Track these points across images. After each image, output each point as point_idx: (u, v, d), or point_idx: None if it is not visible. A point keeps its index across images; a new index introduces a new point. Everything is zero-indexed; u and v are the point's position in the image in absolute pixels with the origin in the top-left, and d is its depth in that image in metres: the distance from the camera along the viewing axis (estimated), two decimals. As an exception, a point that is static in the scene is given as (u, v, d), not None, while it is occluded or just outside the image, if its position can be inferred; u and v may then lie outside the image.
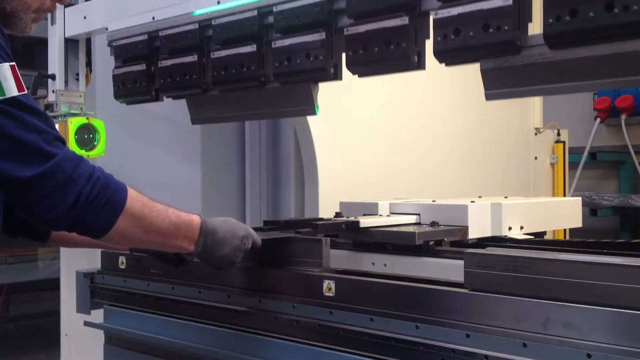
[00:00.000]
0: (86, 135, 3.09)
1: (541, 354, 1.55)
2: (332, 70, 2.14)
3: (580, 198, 2.92)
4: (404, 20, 1.91)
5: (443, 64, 1.93)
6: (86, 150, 3.04)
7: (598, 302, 1.52)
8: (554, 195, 4.30)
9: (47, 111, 3.06)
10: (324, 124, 3.10)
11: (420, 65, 1.95)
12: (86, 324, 2.70)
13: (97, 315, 2.69)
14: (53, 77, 3.15)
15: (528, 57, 1.80)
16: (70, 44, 3.19)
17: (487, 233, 2.42)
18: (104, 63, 3.23)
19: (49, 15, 3.14)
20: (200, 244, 1.90)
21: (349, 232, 2.33)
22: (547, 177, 4.32)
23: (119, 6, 2.81)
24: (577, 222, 2.81)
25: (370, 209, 2.55)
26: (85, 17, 3.06)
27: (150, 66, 2.67)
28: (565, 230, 3.79)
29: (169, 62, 2.56)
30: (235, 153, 3.81)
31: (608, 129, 5.88)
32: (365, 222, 2.31)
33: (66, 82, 3.19)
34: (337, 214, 2.51)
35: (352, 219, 2.34)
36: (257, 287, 2.14)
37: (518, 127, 4.15)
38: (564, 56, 1.74)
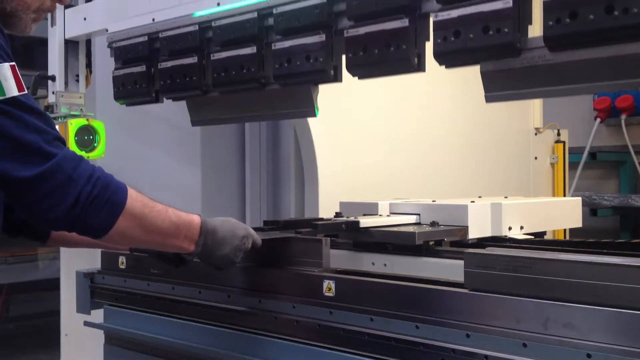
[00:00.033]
0: (86, 136, 3.09)
1: (541, 354, 1.55)
2: (332, 72, 2.14)
3: (580, 198, 2.92)
4: (404, 23, 1.91)
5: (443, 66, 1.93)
6: (86, 152, 3.04)
7: (598, 302, 1.52)
8: (554, 195, 4.30)
9: (47, 112, 3.05)
10: (324, 124, 3.10)
11: (420, 67, 1.95)
12: (86, 324, 2.70)
13: (97, 315, 2.69)
14: (53, 78, 3.15)
15: (528, 60, 1.80)
16: (70, 45, 3.19)
17: (487, 233, 2.42)
18: (104, 64, 3.23)
19: (49, 16, 3.14)
20: (200, 244, 1.91)
21: (349, 232, 2.33)
22: (547, 177, 4.32)
23: (119, 7, 2.81)
24: (577, 222, 2.81)
25: (370, 209, 2.55)
26: (85, 19, 3.06)
27: (150, 68, 2.67)
28: (565, 230, 3.79)
29: (169, 63, 2.56)
30: (235, 153, 3.81)
31: (608, 129, 5.88)
32: (365, 222, 2.31)
33: (66, 83, 3.18)
34: (337, 214, 2.51)
35: (352, 219, 2.34)
36: (257, 287, 2.14)
37: (518, 127, 4.15)
38: (564, 58, 1.74)
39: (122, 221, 1.72)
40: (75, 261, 3.53)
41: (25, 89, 1.67)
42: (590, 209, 5.32)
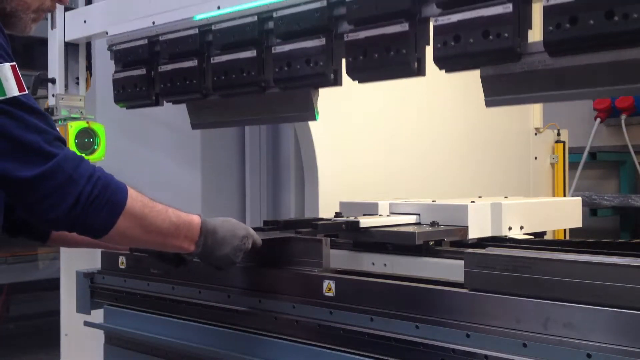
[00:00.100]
0: (86, 139, 3.09)
1: (541, 354, 1.56)
2: (332, 75, 2.14)
3: (580, 198, 2.92)
4: (404, 27, 1.91)
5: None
6: (86, 154, 3.04)
7: (598, 302, 1.52)
8: (554, 195, 4.30)
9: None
10: (324, 125, 3.10)
11: (420, 71, 1.95)
12: (86, 324, 2.70)
13: (97, 315, 2.69)
14: (53, 81, 3.15)
15: (528, 64, 1.79)
16: (71, 47, 3.19)
17: (487, 233, 2.42)
18: (104, 67, 3.23)
19: (49, 18, 3.15)
20: (200, 244, 1.91)
21: (349, 232, 2.33)
22: (547, 177, 4.32)
23: (119, 10, 2.81)
24: (577, 222, 2.81)
25: (370, 209, 2.55)
26: (85, 21, 3.06)
27: (151, 71, 2.66)
28: (565, 230, 3.79)
29: (169, 66, 2.56)
30: (235, 153, 3.81)
31: (608, 129, 5.88)
32: (365, 222, 2.31)
33: (66, 86, 3.19)
34: (337, 214, 2.51)
35: (352, 219, 2.34)
36: (257, 287, 2.14)
37: (518, 127, 4.15)
38: (564, 63, 1.74)
39: (122, 221, 1.72)
40: (75, 261, 3.53)
41: (26, 89, 1.67)
42: (590, 209, 5.32)
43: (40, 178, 1.62)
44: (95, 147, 3.10)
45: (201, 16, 2.45)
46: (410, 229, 2.30)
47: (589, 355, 1.49)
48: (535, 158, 4.24)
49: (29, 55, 5.95)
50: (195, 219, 1.91)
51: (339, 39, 2.09)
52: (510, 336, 1.61)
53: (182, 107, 2.78)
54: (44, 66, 3.22)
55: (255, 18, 2.28)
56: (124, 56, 2.75)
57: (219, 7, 2.39)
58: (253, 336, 2.10)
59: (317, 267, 2.03)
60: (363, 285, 1.90)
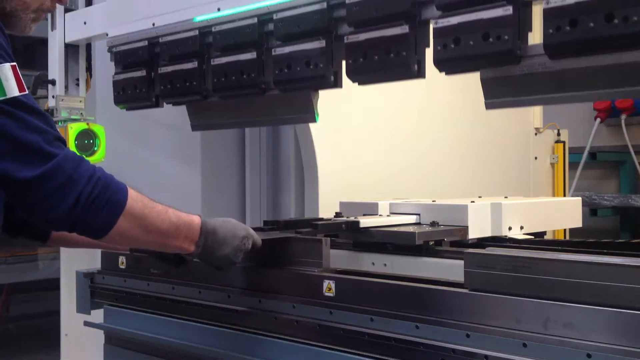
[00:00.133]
0: (86, 140, 3.09)
1: (541, 354, 1.56)
2: (332, 77, 2.13)
3: (580, 198, 2.92)
4: (404, 29, 1.91)
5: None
6: (86, 156, 3.05)
7: (598, 302, 1.52)
8: (554, 195, 4.30)
9: (47, 115, 3.06)
10: (324, 124, 3.10)
11: (420, 73, 1.95)
12: (86, 324, 2.70)
13: (97, 315, 2.69)
14: (53, 82, 3.16)
15: (528, 67, 1.79)
16: (71, 49, 3.20)
17: (487, 233, 2.42)
18: (104, 68, 3.23)
19: (49, 20, 3.15)
20: (200, 244, 1.91)
21: (349, 232, 2.33)
22: (547, 177, 4.31)
23: (119, 12, 2.81)
24: (577, 222, 2.81)
25: (370, 209, 2.55)
26: (85, 23, 3.07)
27: (151, 72, 2.66)
28: (565, 230, 3.79)
29: (169, 68, 2.56)
30: (235, 153, 3.81)
31: (608, 129, 5.89)
32: (365, 222, 2.31)
33: (66, 87, 3.19)
34: (337, 214, 2.51)
35: (352, 219, 2.35)
36: (257, 287, 2.14)
37: (518, 127, 4.15)
38: (564, 66, 1.74)
39: (122, 221, 1.72)
40: (75, 261, 3.53)
41: (26, 89, 1.67)
42: (590, 209, 5.32)
43: (40, 178, 1.62)
44: (95, 149, 3.11)
45: (201, 18, 2.45)
46: (410, 229, 2.30)
47: (589, 355, 1.49)
48: (535, 158, 4.24)
49: (29, 55, 5.95)
50: (196, 219, 1.91)
51: (339, 41, 2.09)
52: (510, 336, 1.61)
53: (182, 108, 2.78)
54: (44, 66, 3.23)
55: (255, 20, 2.28)
56: (124, 58, 2.75)
57: (219, 9, 2.39)
58: (253, 336, 2.10)
59: (317, 267, 2.03)
60: (363, 285, 1.90)
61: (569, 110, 5.16)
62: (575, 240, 2.43)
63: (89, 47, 3.27)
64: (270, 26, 2.25)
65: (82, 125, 3.08)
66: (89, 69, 3.26)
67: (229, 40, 2.36)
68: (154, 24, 2.61)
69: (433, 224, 2.37)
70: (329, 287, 1.94)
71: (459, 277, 1.78)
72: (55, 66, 3.16)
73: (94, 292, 2.67)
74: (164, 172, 3.82)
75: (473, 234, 2.36)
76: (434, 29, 1.86)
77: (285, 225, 2.50)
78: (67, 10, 3.13)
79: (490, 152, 3.91)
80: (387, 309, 1.82)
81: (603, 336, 1.49)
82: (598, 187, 5.92)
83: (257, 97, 2.38)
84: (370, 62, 1.98)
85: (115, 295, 2.59)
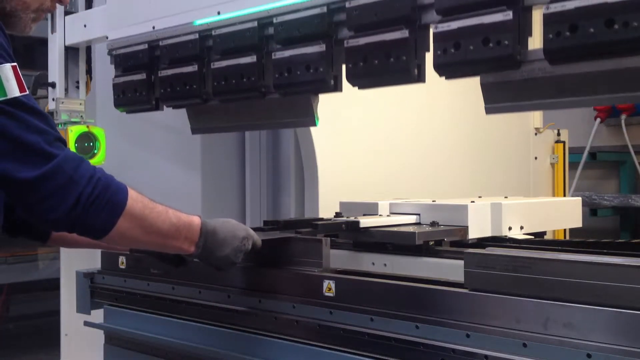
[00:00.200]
0: (86, 143, 3.09)
1: (541, 354, 1.56)
2: (332, 82, 2.13)
3: (580, 198, 2.92)
4: (404, 33, 1.90)
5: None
6: (86, 158, 3.04)
7: (598, 302, 1.52)
8: (554, 195, 4.30)
9: (47, 116, 3.06)
10: (324, 124, 3.10)
11: (420, 78, 1.94)
12: (86, 324, 2.70)
13: (97, 315, 2.69)
14: (53, 85, 3.15)
15: (528, 72, 1.79)
16: (71, 51, 3.19)
17: (487, 233, 2.42)
18: (104, 70, 3.23)
19: (49, 23, 3.15)
20: (200, 245, 1.91)
21: (349, 232, 2.33)
22: (547, 177, 4.31)
23: (119, 15, 2.80)
24: (577, 222, 2.81)
25: (370, 209, 2.55)
26: (85, 26, 3.06)
27: (151, 75, 2.65)
28: (565, 230, 3.79)
29: (169, 71, 2.55)
30: (235, 154, 3.81)
31: (608, 129, 5.89)
32: (365, 222, 2.31)
33: (66, 89, 3.18)
34: (337, 214, 2.51)
35: (352, 219, 2.35)
36: (257, 287, 2.14)
37: (518, 127, 4.15)
38: (564, 71, 1.74)
39: (122, 222, 1.72)
40: (75, 261, 3.53)
41: (27, 90, 1.67)
42: (590, 209, 5.32)
43: (40, 179, 1.62)
44: (96, 151, 3.11)
45: (201, 21, 2.44)
46: (410, 229, 2.31)
47: (589, 355, 1.49)
48: (535, 158, 4.24)
49: (29, 55, 5.95)
50: (196, 220, 1.91)
51: (339, 45, 2.09)
52: (510, 336, 1.61)
53: (182, 110, 2.78)
54: (44, 66, 3.23)
55: (256, 24, 2.27)
56: (124, 61, 2.74)
57: (219, 13, 2.38)
58: (253, 336, 2.10)
59: (317, 267, 2.03)
60: (363, 285, 1.90)
61: (569, 111, 5.14)
62: (575, 240, 2.43)
63: (89, 49, 3.26)
64: (271, 30, 2.25)
65: (82, 128, 3.08)
66: (89, 71, 3.26)
67: (229, 43, 2.35)
68: (154, 27, 2.61)
69: (433, 224, 2.37)
70: (329, 287, 1.94)
71: (459, 277, 1.78)
72: (55, 69, 3.16)
73: (94, 292, 2.67)
74: (164, 174, 3.82)
75: (473, 234, 2.36)
76: (434, 33, 1.85)
77: (285, 225, 2.50)
78: (67, 13, 3.13)
79: (490, 152, 3.91)
80: (387, 309, 1.82)
81: (603, 336, 1.49)
82: (598, 187, 5.92)
83: (257, 100, 2.38)
84: (370, 66, 1.98)
85: (115, 295, 2.59)
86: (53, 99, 3.15)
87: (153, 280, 2.44)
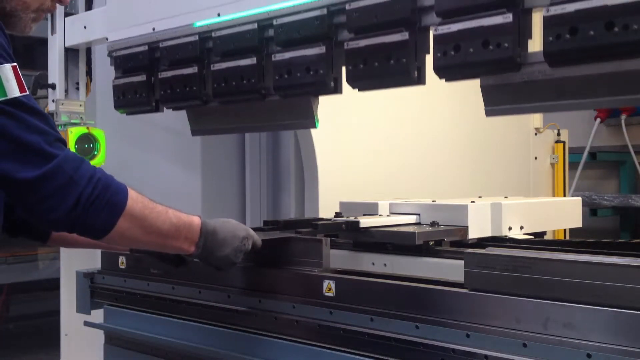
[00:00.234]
0: (86, 144, 3.10)
1: (541, 354, 1.56)
2: (332, 83, 2.12)
3: (580, 198, 2.92)
4: (404, 36, 1.90)
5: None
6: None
7: (598, 302, 1.52)
8: (554, 195, 4.30)
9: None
10: (324, 124, 3.10)
11: (420, 80, 1.95)
12: (86, 324, 2.70)
13: (97, 315, 2.69)
14: (53, 86, 3.15)
15: (528, 74, 1.79)
16: (71, 53, 3.19)
17: (487, 233, 2.42)
18: (104, 72, 3.23)
19: (49, 24, 3.15)
20: (200, 245, 1.91)
21: (349, 232, 2.33)
22: (547, 177, 4.31)
23: (119, 17, 2.80)
24: (577, 222, 2.81)
25: (370, 209, 2.55)
26: (85, 27, 3.06)
27: (151, 77, 2.65)
28: (565, 230, 3.79)
29: (169, 73, 2.55)
30: (236, 154, 3.81)
31: (608, 129, 5.89)
32: (365, 222, 2.31)
33: (66, 91, 3.19)
34: (337, 214, 2.51)
35: (352, 219, 2.35)
36: (257, 287, 2.14)
37: (518, 127, 4.14)
38: (564, 74, 1.73)
39: (122, 222, 1.72)
40: (75, 261, 3.53)
41: (27, 90, 1.67)
42: (590, 209, 5.32)
43: (40, 179, 1.62)
44: (96, 153, 3.11)
45: (201, 23, 2.44)
46: (410, 229, 2.31)
47: (589, 355, 1.49)
48: (535, 158, 4.24)
49: (30, 55, 5.95)
50: (196, 220, 1.91)
51: (339, 47, 2.09)
52: (510, 336, 1.61)
53: (181, 111, 2.77)
54: (44, 66, 3.23)
55: (255, 25, 2.27)
56: (124, 62, 2.74)
57: (219, 14, 2.38)
58: (253, 336, 2.10)
59: (317, 267, 2.03)
60: (363, 285, 1.90)
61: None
62: (575, 240, 2.43)
63: (89, 51, 3.26)
64: (271, 32, 2.25)
65: (82, 130, 3.08)
66: (89, 72, 3.26)
67: (229, 45, 2.35)
68: (154, 29, 2.61)
69: (433, 224, 2.37)
70: (329, 287, 1.94)
71: (459, 277, 1.78)
72: (55, 70, 3.16)
73: (94, 292, 2.67)
74: (164, 175, 3.81)
75: (473, 234, 2.36)
76: (433, 35, 1.85)
77: (285, 225, 2.50)
78: (67, 15, 3.13)
79: (490, 152, 3.91)
80: (387, 309, 1.82)
81: (603, 336, 1.49)
82: (598, 187, 5.92)
83: (257, 102, 2.37)
84: (370, 68, 1.97)
85: (115, 295, 2.59)
86: (53, 101, 3.15)
87: (153, 280, 2.44)
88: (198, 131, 2.78)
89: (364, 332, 1.85)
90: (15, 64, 1.66)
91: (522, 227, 2.49)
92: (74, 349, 4.01)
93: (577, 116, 5.59)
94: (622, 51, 1.58)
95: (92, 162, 3.03)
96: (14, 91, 1.63)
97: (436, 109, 3.65)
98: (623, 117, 5.61)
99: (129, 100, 2.73)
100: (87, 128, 3.10)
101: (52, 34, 3.17)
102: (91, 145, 3.10)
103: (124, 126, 3.73)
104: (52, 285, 5.58)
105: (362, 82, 2.05)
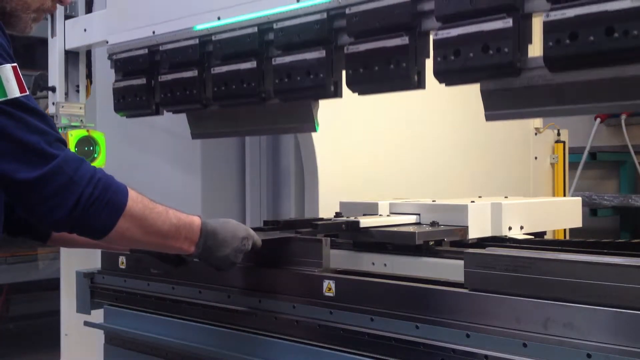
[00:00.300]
0: (86, 147, 3.10)
1: (541, 354, 1.56)
2: (332, 87, 2.12)
3: (580, 198, 2.92)
4: (404, 40, 1.90)
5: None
6: (86, 161, 3.06)
7: (598, 302, 1.52)
8: (554, 195, 4.30)
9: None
10: (324, 124, 3.09)
11: (420, 84, 1.95)
12: (86, 324, 2.70)
13: (97, 315, 2.69)
14: (53, 89, 3.15)
15: (528, 79, 1.78)
16: (71, 55, 3.19)
17: (487, 233, 2.42)
18: (105, 74, 3.23)
19: (49, 27, 3.15)
20: (200, 245, 1.91)
21: (349, 232, 2.33)
22: (547, 177, 4.31)
23: (119, 20, 2.80)
24: (577, 222, 2.81)
25: (370, 209, 2.55)
26: (85, 30, 3.06)
27: (151, 80, 2.65)
28: (565, 230, 3.79)
29: (169, 76, 2.55)
30: (236, 154, 3.80)
31: (608, 129, 5.88)
32: (365, 222, 2.32)
33: (66, 94, 3.19)
34: (337, 214, 2.51)
35: (352, 219, 2.35)
36: (257, 287, 2.14)
37: (518, 127, 4.14)
38: (564, 79, 1.73)
39: (122, 222, 1.72)
40: (75, 261, 3.53)
41: (27, 90, 1.67)
42: (590, 209, 5.32)
43: (40, 179, 1.62)
44: (96, 155, 3.11)
45: (201, 26, 2.44)
46: (410, 229, 2.31)
47: (589, 355, 1.49)
48: (535, 158, 4.23)
49: (30, 55, 5.95)
50: (196, 220, 1.91)
51: (339, 51, 2.09)
52: (510, 336, 1.61)
53: (182, 114, 2.77)
54: (44, 66, 3.23)
55: (256, 29, 2.27)
56: (124, 65, 2.74)
57: (219, 18, 2.38)
58: (253, 336, 2.10)
59: (317, 267, 2.03)
60: (363, 285, 1.91)
61: (569, 110, 5.15)
62: (575, 240, 2.43)
63: (89, 53, 3.26)
64: (271, 35, 2.24)
65: (82, 132, 3.08)
66: (89, 75, 3.26)
67: (229, 49, 2.35)
68: (154, 32, 2.60)
69: (433, 224, 2.37)
70: (329, 287, 1.94)
71: (459, 277, 1.78)
72: (55, 73, 3.16)
73: (94, 292, 2.67)
74: (164, 177, 3.81)
75: (473, 234, 2.36)
76: (434, 40, 1.85)
77: (285, 225, 2.50)
78: (67, 17, 3.13)
79: (490, 152, 3.91)
80: (387, 309, 1.82)
81: (603, 336, 1.49)
82: (598, 187, 5.92)
83: (257, 106, 2.37)
84: (370, 72, 1.97)
85: (115, 295, 2.59)
86: (53, 103, 3.15)
87: (153, 280, 2.44)
88: (198, 135, 2.78)
89: (364, 332, 1.85)
90: (15, 64, 1.66)
91: (522, 227, 2.50)
92: (74, 349, 4.01)
93: (577, 116, 5.58)
94: (622, 57, 1.58)
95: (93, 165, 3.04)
96: (14, 91, 1.62)
97: (436, 109, 3.65)
98: (623, 117, 5.61)
99: (129, 103, 2.73)
100: (87, 131, 3.10)
101: (52, 37, 3.17)
102: (91, 148, 3.11)
103: (124, 129, 3.73)
104: (52, 285, 5.58)
105: (362, 86, 2.05)
